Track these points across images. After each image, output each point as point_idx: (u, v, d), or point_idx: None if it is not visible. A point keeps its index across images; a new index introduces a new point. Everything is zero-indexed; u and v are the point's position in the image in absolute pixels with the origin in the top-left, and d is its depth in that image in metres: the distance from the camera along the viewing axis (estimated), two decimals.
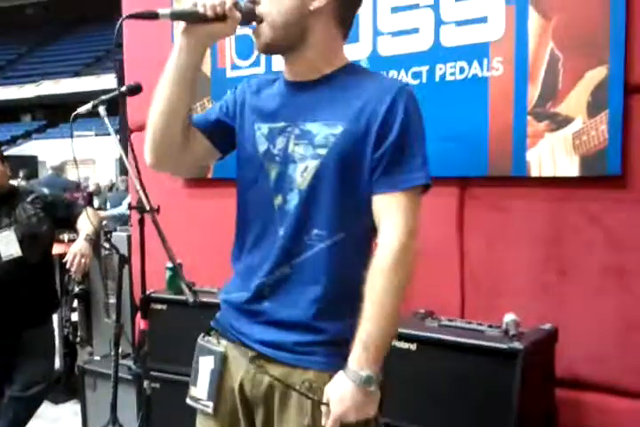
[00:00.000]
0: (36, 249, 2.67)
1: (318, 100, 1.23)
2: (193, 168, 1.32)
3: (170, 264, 2.46)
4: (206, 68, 2.55)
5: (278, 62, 2.30)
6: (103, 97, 2.21)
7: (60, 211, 2.78)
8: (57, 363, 3.98)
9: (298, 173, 1.22)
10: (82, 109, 2.34)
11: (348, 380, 1.15)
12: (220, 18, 1.18)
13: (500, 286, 1.91)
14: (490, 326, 1.72)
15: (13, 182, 3.05)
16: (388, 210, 1.19)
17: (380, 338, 1.16)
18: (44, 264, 2.82)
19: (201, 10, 1.17)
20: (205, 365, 1.33)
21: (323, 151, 1.20)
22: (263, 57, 2.36)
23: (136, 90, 2.11)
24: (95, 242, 2.78)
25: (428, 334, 1.71)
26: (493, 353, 1.60)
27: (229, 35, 1.23)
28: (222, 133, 1.34)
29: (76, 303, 4.05)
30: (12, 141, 22.67)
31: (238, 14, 1.19)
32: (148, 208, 2.30)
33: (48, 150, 15.64)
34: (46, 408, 3.48)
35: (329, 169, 1.20)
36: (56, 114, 22.57)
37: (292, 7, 1.20)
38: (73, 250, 2.60)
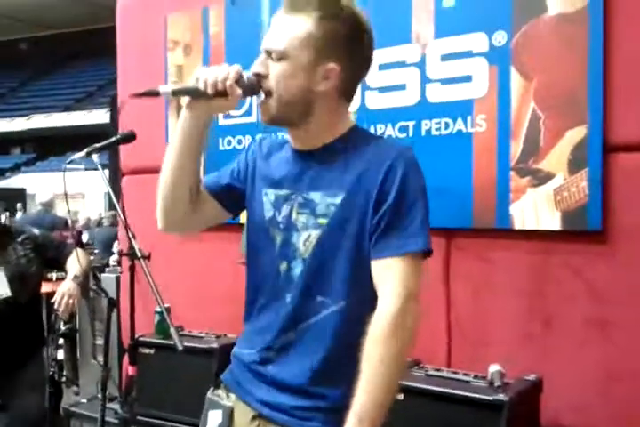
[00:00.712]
0: (25, 289, 2.68)
1: (320, 169, 1.24)
2: (204, 227, 1.37)
3: (158, 308, 2.47)
4: None
5: None
6: (97, 145, 2.24)
7: (49, 251, 2.79)
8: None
9: (301, 241, 1.23)
10: (75, 156, 2.37)
11: None
12: (222, 94, 1.18)
13: (485, 335, 1.95)
14: (475, 377, 1.75)
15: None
16: (385, 275, 1.17)
17: (376, 410, 1.12)
18: (33, 304, 2.82)
19: (201, 87, 1.18)
20: (214, 419, 1.34)
21: (324, 221, 1.21)
22: (255, 108, 2.43)
23: (130, 138, 2.15)
24: (84, 283, 2.79)
25: (416, 384, 1.73)
26: (479, 404, 1.62)
27: (232, 109, 1.24)
28: (232, 197, 1.35)
29: (61, 342, 4.02)
30: (1, 174, 22.63)
31: (239, 91, 1.19)
32: (139, 255, 2.34)
33: (37, 183, 15.61)
34: None
35: (330, 238, 1.20)
36: (45, 147, 22.62)
37: (298, 87, 1.19)
38: (61, 290, 2.61)
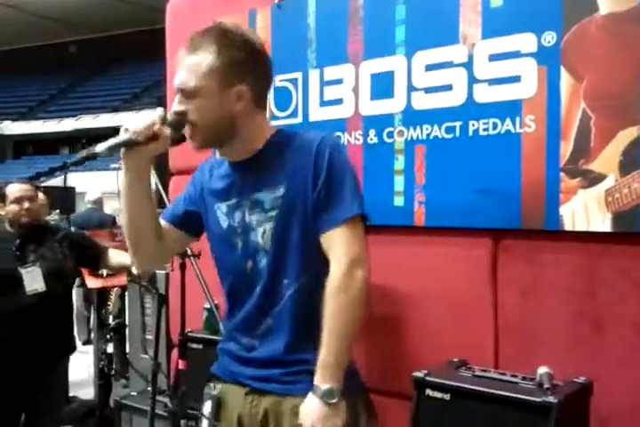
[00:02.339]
0: (60, 285, 2.75)
1: (258, 173, 1.41)
2: (173, 256, 1.52)
3: (207, 305, 2.53)
4: None
5: (315, 113, 2.40)
6: None
7: (85, 250, 2.88)
8: (92, 394, 4.06)
9: (259, 236, 1.40)
10: None
11: (312, 395, 1.32)
12: (153, 138, 1.32)
13: (533, 337, 1.93)
14: (524, 379, 1.74)
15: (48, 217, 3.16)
16: (332, 244, 1.35)
17: (334, 357, 1.31)
18: (66, 301, 2.89)
19: (133, 137, 1.31)
20: (206, 409, 1.50)
21: (273, 213, 1.38)
22: (300, 109, 2.46)
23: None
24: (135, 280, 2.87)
25: (463, 385, 1.73)
26: (527, 406, 1.61)
27: (166, 148, 1.38)
28: (192, 221, 1.52)
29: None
30: (51, 173, 23.32)
31: (167, 131, 1.33)
32: (190, 254, 2.41)
33: (85, 182, 16.00)
34: None
35: (283, 225, 1.38)
36: None
37: (217, 114, 1.35)
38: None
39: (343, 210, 1.35)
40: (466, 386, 1.73)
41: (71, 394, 4.02)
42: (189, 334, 2.59)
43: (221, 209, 1.45)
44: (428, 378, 1.78)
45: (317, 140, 1.38)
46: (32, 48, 28.28)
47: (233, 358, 1.47)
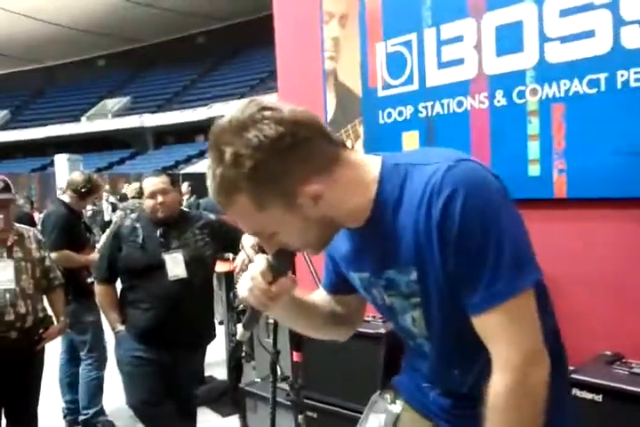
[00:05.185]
0: (200, 272, 2.80)
1: (379, 243, 1.11)
2: (364, 311, 1.35)
3: None
4: (357, 87, 2.49)
5: (433, 77, 2.19)
6: None
7: (226, 236, 2.88)
8: (224, 375, 4.16)
9: (409, 324, 1.17)
10: None
11: None
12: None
13: None
14: None
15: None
16: (487, 335, 1.03)
17: None
18: (207, 288, 2.94)
19: (255, 309, 1.12)
20: (374, 422, 1.31)
21: (415, 300, 1.11)
22: (416, 75, 2.26)
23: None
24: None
25: (617, 385, 1.53)
26: None
27: (295, 287, 1.14)
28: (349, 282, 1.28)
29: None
30: (188, 160, 24.71)
31: (283, 280, 1.09)
32: None
33: None
34: (215, 418, 3.68)
35: (435, 314, 1.11)
36: None
37: (308, 229, 1.06)
38: (241, 257, 2.68)
39: (493, 288, 1.00)
40: (622, 386, 1.53)
41: (207, 374, 4.16)
42: None
43: (355, 281, 1.23)
44: (575, 376, 1.58)
45: (435, 186, 0.99)
46: (163, 43, 29.97)
47: (415, 384, 1.28)
